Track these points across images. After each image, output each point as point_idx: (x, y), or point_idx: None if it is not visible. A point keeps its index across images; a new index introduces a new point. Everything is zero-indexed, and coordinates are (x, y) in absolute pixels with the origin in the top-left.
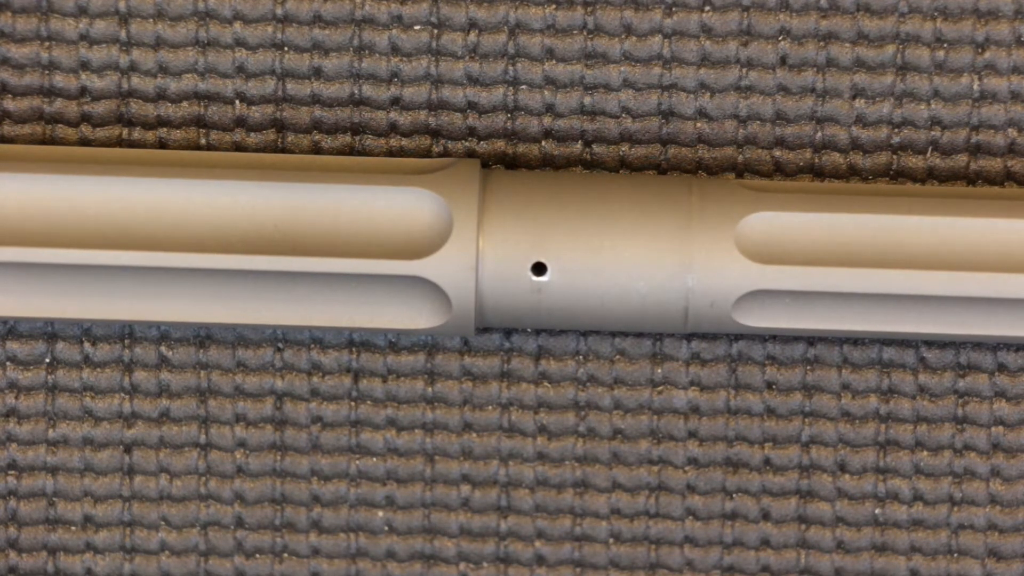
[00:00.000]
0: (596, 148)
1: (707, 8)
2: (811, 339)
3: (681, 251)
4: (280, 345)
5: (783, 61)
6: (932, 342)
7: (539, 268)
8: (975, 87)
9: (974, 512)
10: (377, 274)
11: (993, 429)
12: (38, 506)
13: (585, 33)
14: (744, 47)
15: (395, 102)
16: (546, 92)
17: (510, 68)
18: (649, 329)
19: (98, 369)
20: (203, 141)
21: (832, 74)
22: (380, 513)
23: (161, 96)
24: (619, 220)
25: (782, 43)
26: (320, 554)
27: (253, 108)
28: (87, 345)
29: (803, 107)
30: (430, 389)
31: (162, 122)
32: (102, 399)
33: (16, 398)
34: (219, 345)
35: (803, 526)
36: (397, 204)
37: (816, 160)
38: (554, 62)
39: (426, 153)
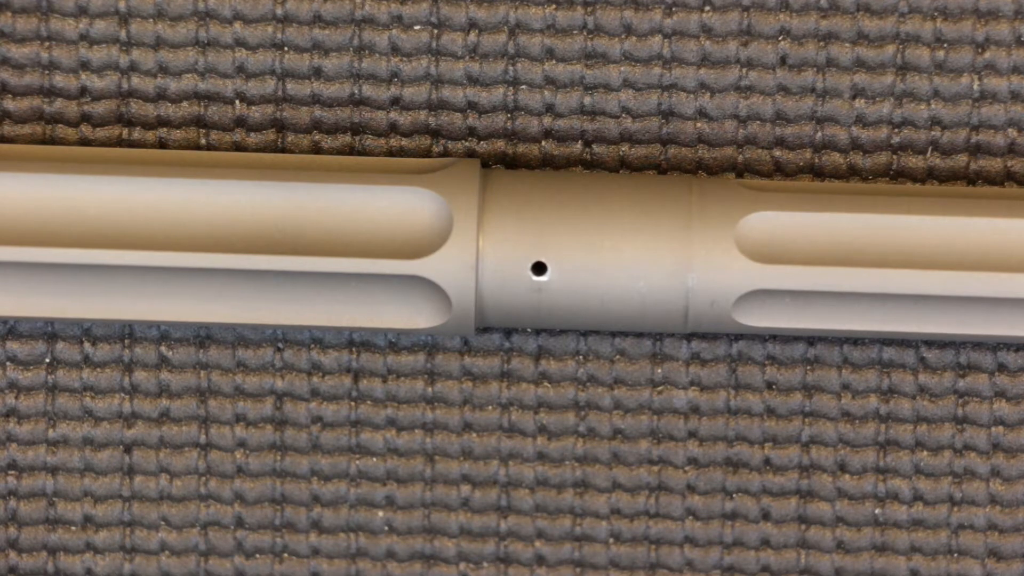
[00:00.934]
0: (596, 148)
1: (707, 8)
2: (811, 339)
3: (681, 251)
4: (280, 345)
5: (783, 61)
6: (932, 342)
7: (539, 268)
8: (975, 87)
9: (974, 512)
10: (377, 273)
11: (993, 429)
12: (38, 506)
13: (585, 33)
14: (744, 47)
15: (395, 102)
16: (546, 92)
17: (510, 68)
18: (649, 329)
19: (98, 369)
20: (203, 141)
21: (832, 74)
22: (380, 513)
23: (161, 96)
24: (619, 220)
25: (782, 43)
26: (320, 554)
27: (253, 108)
28: (87, 345)
29: (803, 107)
30: (430, 389)
31: (162, 122)
32: (102, 399)
33: (16, 398)
34: (219, 345)
35: (803, 526)
36: (397, 204)
37: (816, 160)
38: (554, 62)
39: (426, 153)
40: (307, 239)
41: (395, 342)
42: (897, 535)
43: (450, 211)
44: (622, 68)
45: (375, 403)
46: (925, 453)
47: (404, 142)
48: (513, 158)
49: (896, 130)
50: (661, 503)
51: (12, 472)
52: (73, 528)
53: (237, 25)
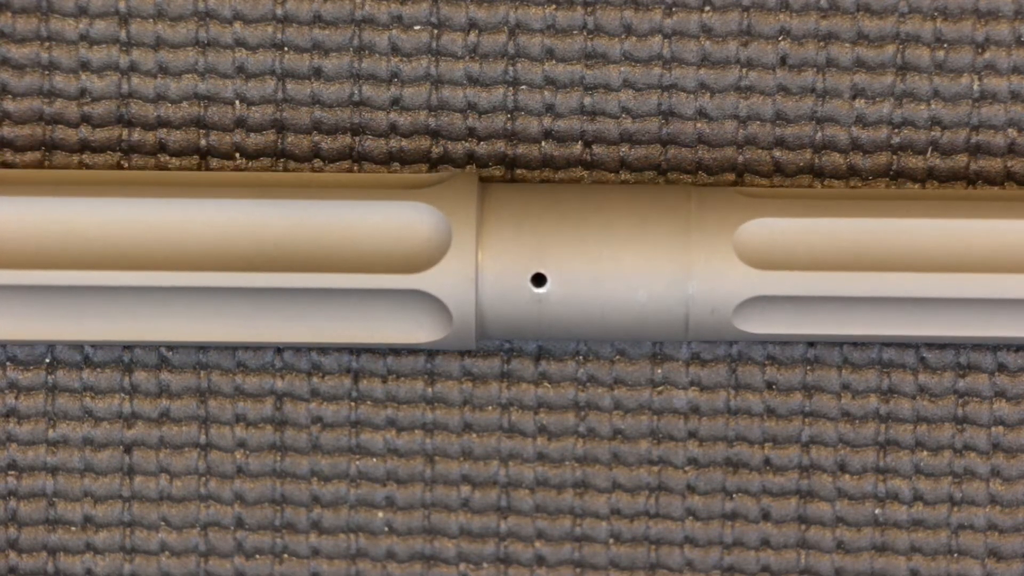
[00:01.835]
0: (596, 148)
1: (707, 8)
2: (811, 340)
3: (680, 259)
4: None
5: (783, 61)
6: (932, 342)
7: (539, 279)
8: (975, 87)
9: (974, 512)
10: (377, 289)
11: (993, 429)
12: (38, 506)
13: (585, 33)
14: (744, 47)
15: (395, 102)
16: (546, 92)
17: (510, 68)
18: (650, 338)
19: (98, 369)
20: (203, 143)
21: (832, 74)
22: (380, 513)
23: (161, 97)
24: (618, 229)
25: (782, 43)
26: (320, 555)
27: (253, 108)
28: (87, 346)
29: (803, 107)
30: (430, 389)
31: (162, 123)
32: (102, 399)
33: (16, 398)
34: (219, 345)
35: (803, 526)
36: (395, 218)
37: (816, 160)
38: (554, 62)
39: (426, 154)
40: (305, 256)
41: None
42: (897, 535)
43: (448, 225)
44: (622, 68)
45: (375, 403)
46: (925, 453)
47: (404, 143)
48: (513, 159)
49: (896, 130)
50: (661, 503)
51: (12, 472)
52: (73, 528)
53: (237, 25)
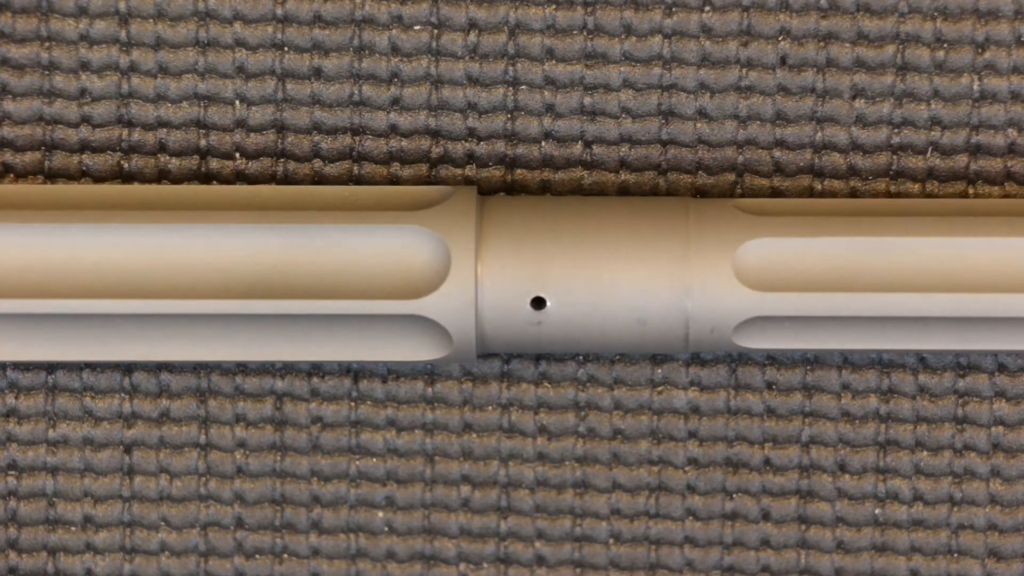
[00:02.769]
0: (596, 149)
1: (707, 8)
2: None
3: (680, 282)
4: None
5: (783, 61)
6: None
7: (538, 302)
8: (975, 87)
9: (974, 512)
10: (377, 314)
11: (993, 429)
12: (38, 506)
13: (585, 33)
14: (744, 47)
15: (395, 102)
16: (546, 92)
17: (510, 68)
18: (650, 354)
19: (98, 369)
20: (203, 143)
21: (832, 74)
22: (380, 514)
23: (161, 97)
24: (617, 251)
25: (782, 43)
26: (320, 555)
27: (253, 108)
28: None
29: (803, 107)
30: (430, 389)
31: (162, 123)
32: (102, 399)
33: (16, 398)
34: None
35: (803, 526)
36: (395, 243)
37: (816, 160)
38: (554, 62)
39: (426, 153)
40: (305, 281)
41: None
42: (897, 535)
43: (447, 249)
44: (622, 68)
45: (375, 403)
46: (925, 453)
47: (404, 143)
48: (513, 159)
49: (896, 130)
50: (661, 503)
51: (12, 472)
52: (73, 528)
53: (237, 25)
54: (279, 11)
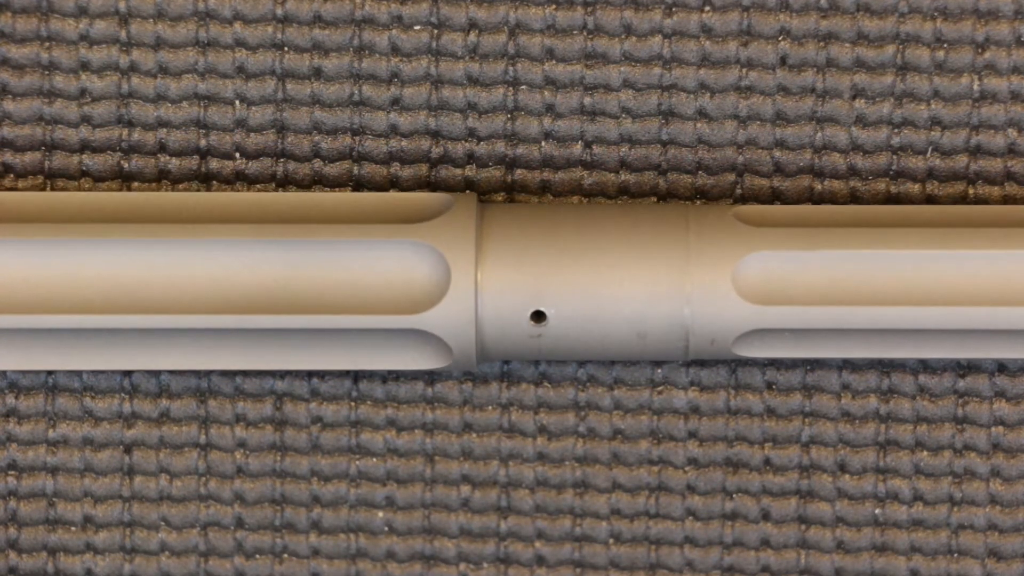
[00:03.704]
0: (596, 148)
1: (707, 8)
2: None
3: (679, 296)
4: None
5: (783, 61)
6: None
7: (538, 315)
8: (975, 87)
9: (974, 512)
10: (378, 328)
11: (993, 429)
12: (38, 506)
13: (585, 33)
14: (744, 47)
15: (395, 102)
16: (546, 92)
17: (510, 68)
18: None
19: (98, 369)
20: (203, 143)
21: (832, 74)
22: (380, 513)
23: (161, 97)
24: (616, 264)
25: (782, 43)
26: (320, 555)
27: (253, 108)
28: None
29: (803, 107)
30: (430, 390)
31: (162, 123)
32: (102, 399)
33: (16, 398)
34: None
35: (803, 526)
36: (395, 257)
37: (816, 160)
38: (554, 62)
39: (426, 153)
40: (305, 296)
41: None
42: (897, 535)
43: (447, 263)
44: (622, 68)
45: (375, 404)
46: (925, 453)
47: (404, 143)
48: (513, 159)
49: (896, 130)
50: (661, 503)
51: (12, 472)
52: (73, 528)
53: (237, 25)
54: (279, 11)
